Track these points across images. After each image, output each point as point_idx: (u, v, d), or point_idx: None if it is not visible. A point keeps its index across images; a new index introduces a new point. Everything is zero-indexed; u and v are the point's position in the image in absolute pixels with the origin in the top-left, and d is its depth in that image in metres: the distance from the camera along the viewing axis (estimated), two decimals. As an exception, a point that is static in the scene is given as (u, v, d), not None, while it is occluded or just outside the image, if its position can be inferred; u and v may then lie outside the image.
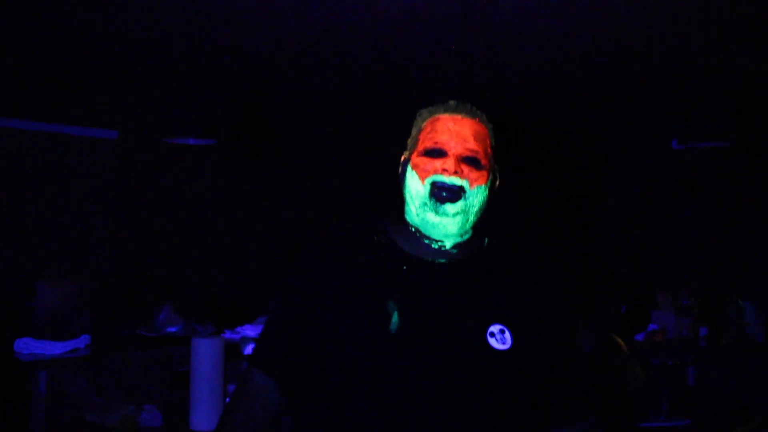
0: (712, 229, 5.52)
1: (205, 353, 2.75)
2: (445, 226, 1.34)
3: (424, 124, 1.41)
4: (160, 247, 5.37)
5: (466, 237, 1.39)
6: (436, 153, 1.35)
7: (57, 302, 3.47)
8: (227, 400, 2.33)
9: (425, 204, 1.34)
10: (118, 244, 5.21)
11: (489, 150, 1.40)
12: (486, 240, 1.44)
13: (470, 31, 3.75)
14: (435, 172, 1.34)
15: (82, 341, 3.31)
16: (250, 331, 3.76)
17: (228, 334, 3.69)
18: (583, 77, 4.96)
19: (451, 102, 1.42)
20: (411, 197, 1.37)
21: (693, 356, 3.74)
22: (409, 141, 1.44)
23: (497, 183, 1.43)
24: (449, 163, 1.33)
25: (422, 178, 1.35)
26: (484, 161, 1.37)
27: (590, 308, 3.24)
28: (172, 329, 3.72)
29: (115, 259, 5.17)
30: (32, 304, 3.55)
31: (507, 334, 1.30)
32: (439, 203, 1.33)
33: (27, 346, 3.19)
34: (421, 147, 1.38)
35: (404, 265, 1.35)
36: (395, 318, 1.29)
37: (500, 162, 1.46)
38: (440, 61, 4.46)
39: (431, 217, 1.34)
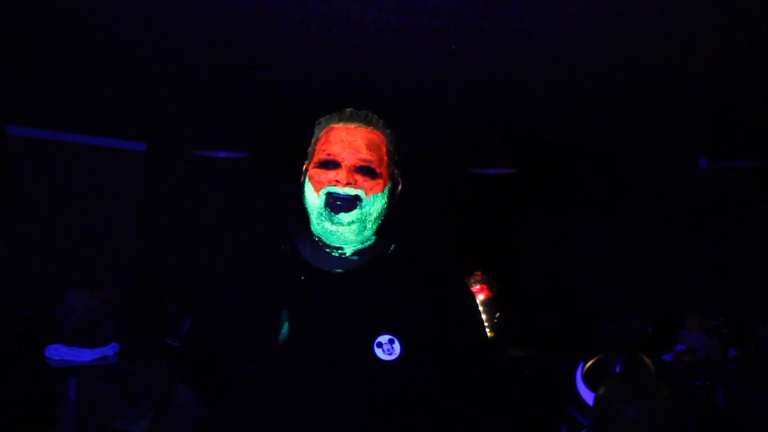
0: (741, 250, 5.46)
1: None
2: (342, 233, 1.36)
3: (320, 134, 1.44)
4: (188, 257, 5.41)
5: (368, 243, 1.41)
6: (330, 164, 1.37)
7: (85, 310, 3.50)
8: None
9: (321, 214, 1.36)
10: (145, 254, 5.25)
11: (385, 157, 1.41)
12: (392, 246, 1.44)
13: (496, 52, 3.76)
14: (329, 183, 1.36)
15: (110, 349, 3.33)
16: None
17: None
18: (611, 95, 4.95)
19: (347, 110, 1.44)
20: (309, 208, 1.39)
21: (722, 378, 3.69)
22: (309, 150, 1.46)
23: (399, 188, 1.44)
24: (341, 174, 1.35)
25: (317, 190, 1.37)
26: (379, 169, 1.38)
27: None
28: (200, 339, 3.73)
29: (143, 268, 5.22)
30: (60, 311, 3.58)
31: (396, 344, 1.31)
32: (334, 213, 1.35)
33: (58, 352, 3.22)
34: (316, 158, 1.40)
35: (303, 274, 1.38)
36: (285, 328, 1.32)
37: (402, 168, 1.47)
38: (468, 81, 4.48)
39: (328, 225, 1.36)
